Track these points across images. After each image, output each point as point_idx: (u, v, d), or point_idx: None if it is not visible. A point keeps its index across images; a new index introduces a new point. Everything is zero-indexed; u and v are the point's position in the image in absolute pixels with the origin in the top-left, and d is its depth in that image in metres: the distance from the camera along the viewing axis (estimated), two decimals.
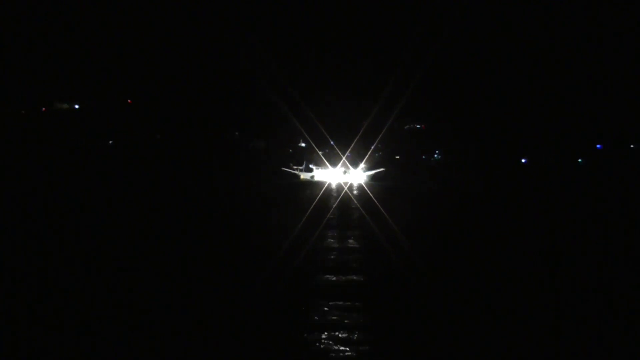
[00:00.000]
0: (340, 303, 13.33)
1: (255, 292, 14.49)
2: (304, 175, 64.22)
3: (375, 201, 37.26)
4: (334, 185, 53.11)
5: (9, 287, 15.45)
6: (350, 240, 22.18)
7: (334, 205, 36.00)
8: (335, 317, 12.48)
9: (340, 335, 11.32)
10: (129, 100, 67.27)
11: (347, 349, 10.72)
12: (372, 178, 62.05)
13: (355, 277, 15.95)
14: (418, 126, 79.96)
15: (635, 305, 14.50)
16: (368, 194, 44.37)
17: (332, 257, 18.62)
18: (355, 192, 47.22)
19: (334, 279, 15.61)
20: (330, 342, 11.03)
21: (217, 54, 61.75)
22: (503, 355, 11.93)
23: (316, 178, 62.58)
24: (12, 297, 14.40)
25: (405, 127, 77.94)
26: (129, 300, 14.93)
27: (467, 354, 12.07)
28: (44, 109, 67.59)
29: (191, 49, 63.01)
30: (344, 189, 49.02)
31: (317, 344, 11.00)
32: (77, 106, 68.48)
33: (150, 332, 12.80)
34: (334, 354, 10.50)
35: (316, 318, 12.54)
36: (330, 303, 13.35)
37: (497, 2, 71.31)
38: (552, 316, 14.35)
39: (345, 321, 12.15)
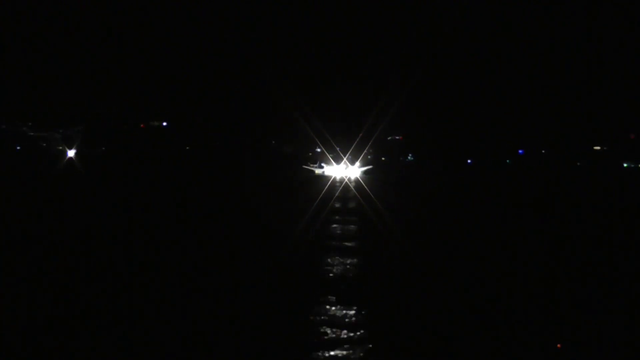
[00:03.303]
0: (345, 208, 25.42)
1: (310, 215, 23.23)
2: (318, 171, 68.76)
3: (363, 184, 46.12)
4: (338, 178, 58.67)
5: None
6: (349, 196, 34.10)
7: (339, 185, 46.19)
8: (341, 217, 23.64)
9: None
10: (201, 120, 73.57)
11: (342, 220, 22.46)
12: (364, 172, 67.11)
13: (352, 202, 27.85)
14: (397, 137, 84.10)
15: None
16: (360, 181, 51.96)
17: (339, 203, 29.78)
18: (352, 181, 53.30)
19: (344, 204, 27.82)
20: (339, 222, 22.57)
21: (262, 90, 69.00)
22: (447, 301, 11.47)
23: (326, 173, 66.66)
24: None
25: (388, 138, 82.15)
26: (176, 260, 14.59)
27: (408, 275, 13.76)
28: (142, 125, 74.95)
29: (243, 84, 70.57)
30: (344, 179, 55.36)
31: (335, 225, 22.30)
32: (164, 124, 75.18)
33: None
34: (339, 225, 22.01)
35: (337, 217, 23.88)
36: (339, 207, 25.25)
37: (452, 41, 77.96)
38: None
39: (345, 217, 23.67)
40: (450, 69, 77.32)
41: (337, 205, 28.93)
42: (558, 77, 72.04)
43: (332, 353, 8.56)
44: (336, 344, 8.93)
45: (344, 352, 8.59)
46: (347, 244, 17.82)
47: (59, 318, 9.71)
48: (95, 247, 15.84)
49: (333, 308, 10.88)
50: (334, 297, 11.52)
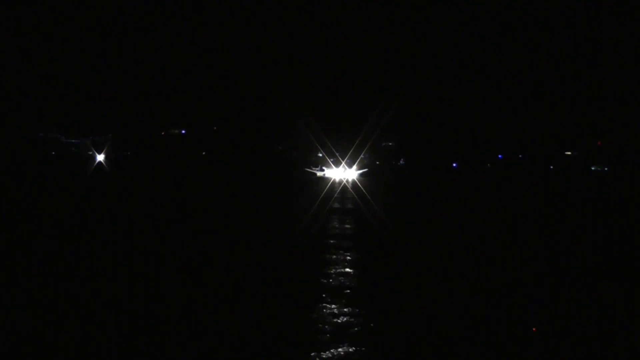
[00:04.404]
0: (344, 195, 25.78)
1: (318, 200, 24.53)
2: (319, 173, 69.37)
3: (359, 184, 47.47)
4: (337, 179, 59.41)
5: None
6: (348, 192, 34.76)
7: (339, 185, 47.50)
8: (341, 202, 24.34)
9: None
10: (215, 128, 74.89)
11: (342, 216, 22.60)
12: (361, 175, 67.44)
13: (350, 204, 28.08)
14: (390, 143, 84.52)
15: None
16: (356, 182, 52.87)
17: (338, 195, 30.46)
18: (350, 182, 54.57)
19: (343, 201, 27.86)
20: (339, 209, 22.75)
21: (270, 100, 69.21)
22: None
23: (326, 175, 67.49)
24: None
25: (382, 144, 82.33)
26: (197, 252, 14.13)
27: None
28: (163, 133, 75.27)
29: (253, 96, 70.89)
30: (343, 181, 56.38)
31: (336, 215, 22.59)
32: (183, 131, 75.61)
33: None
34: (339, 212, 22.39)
35: (337, 206, 24.70)
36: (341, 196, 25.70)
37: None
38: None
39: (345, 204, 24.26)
40: (436, 83, 76.82)
41: (337, 203, 29.17)
42: (533, 89, 72.37)
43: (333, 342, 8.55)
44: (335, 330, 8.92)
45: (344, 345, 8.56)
46: (345, 230, 18.44)
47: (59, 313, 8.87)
48: (98, 243, 15.03)
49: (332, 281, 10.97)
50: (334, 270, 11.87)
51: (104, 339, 7.78)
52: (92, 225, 18.54)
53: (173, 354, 7.43)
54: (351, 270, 12.77)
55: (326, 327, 8.74)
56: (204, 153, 73.27)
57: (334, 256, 14.49)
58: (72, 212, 21.94)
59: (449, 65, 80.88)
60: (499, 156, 76.97)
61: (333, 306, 9.84)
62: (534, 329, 8.87)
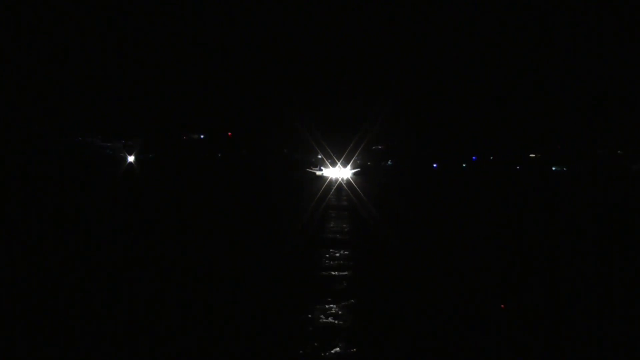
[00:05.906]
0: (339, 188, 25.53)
1: (319, 192, 24.74)
2: (318, 173, 68.38)
3: (352, 182, 47.39)
4: (334, 178, 59.53)
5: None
6: (343, 187, 34.12)
7: (335, 182, 47.53)
8: (335, 189, 24.23)
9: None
10: (229, 134, 74.51)
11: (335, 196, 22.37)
12: (354, 174, 67.31)
13: (345, 195, 27.98)
14: (380, 147, 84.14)
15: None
16: (350, 180, 53.27)
17: (334, 188, 30.31)
18: (345, 180, 53.78)
19: (339, 194, 27.63)
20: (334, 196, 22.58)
21: (276, 107, 68.95)
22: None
23: (324, 174, 66.50)
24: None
25: (373, 147, 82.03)
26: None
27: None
28: (184, 137, 74.43)
29: (262, 104, 70.63)
30: (338, 179, 56.24)
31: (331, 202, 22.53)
32: (202, 136, 74.82)
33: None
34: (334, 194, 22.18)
35: (334, 201, 24.57)
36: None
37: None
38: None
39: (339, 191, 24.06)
40: (420, 93, 76.86)
41: (333, 199, 28.98)
42: (502, 100, 72.20)
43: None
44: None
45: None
46: (342, 214, 18.47)
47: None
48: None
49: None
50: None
51: (104, 337, 6.83)
52: (91, 224, 16.26)
53: (173, 352, 6.53)
54: (345, 227, 12.57)
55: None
56: (219, 155, 72.41)
57: (331, 250, 14.29)
58: (78, 210, 19.76)
59: (430, 77, 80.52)
60: (473, 158, 76.35)
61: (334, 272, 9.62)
62: (502, 306, 8.31)
